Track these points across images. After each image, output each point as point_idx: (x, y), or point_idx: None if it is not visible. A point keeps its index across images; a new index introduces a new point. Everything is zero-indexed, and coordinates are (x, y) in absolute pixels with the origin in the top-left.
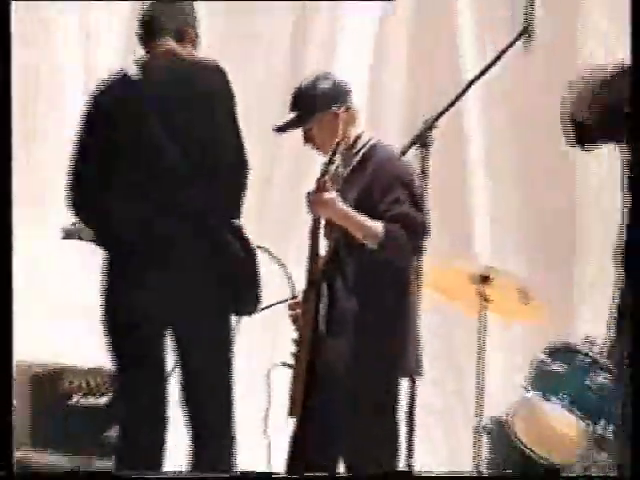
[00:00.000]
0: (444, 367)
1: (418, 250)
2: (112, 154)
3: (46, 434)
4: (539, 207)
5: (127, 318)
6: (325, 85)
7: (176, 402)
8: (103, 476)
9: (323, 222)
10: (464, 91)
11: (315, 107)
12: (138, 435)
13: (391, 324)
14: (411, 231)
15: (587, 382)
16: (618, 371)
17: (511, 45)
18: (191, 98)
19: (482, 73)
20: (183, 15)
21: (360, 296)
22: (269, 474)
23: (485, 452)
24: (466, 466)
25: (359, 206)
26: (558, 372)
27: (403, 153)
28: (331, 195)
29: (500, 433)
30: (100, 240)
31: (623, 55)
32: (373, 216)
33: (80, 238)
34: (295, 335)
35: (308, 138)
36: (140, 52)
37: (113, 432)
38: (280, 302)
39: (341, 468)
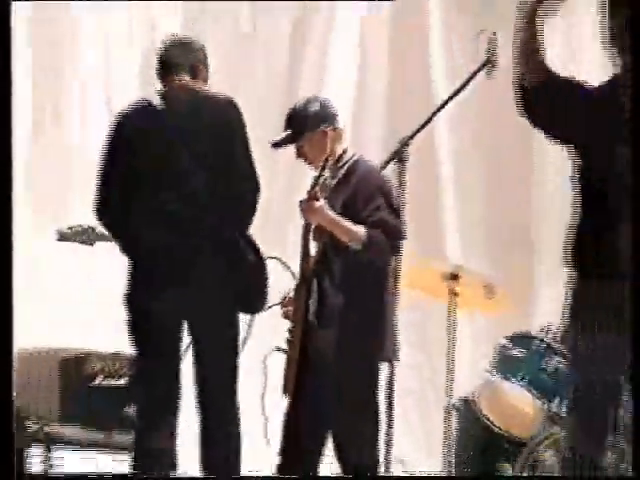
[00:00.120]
0: (419, 354)
1: (396, 251)
2: (136, 174)
3: (72, 411)
4: (502, 215)
5: (147, 313)
6: (315, 107)
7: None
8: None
9: (313, 227)
10: (434, 114)
11: (306, 126)
12: (153, 413)
13: (372, 315)
14: (390, 235)
15: (543, 365)
16: (570, 355)
17: (475, 74)
18: (209, 128)
19: (450, 98)
20: (196, 54)
21: (345, 291)
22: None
23: (455, 427)
24: (438, 438)
25: (344, 213)
26: (517, 356)
27: (382, 167)
28: (321, 203)
29: (467, 411)
30: (124, 249)
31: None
32: (356, 222)
33: (75, 241)
34: (289, 325)
35: (300, 153)
36: (158, 86)
37: (131, 409)
38: (281, 302)
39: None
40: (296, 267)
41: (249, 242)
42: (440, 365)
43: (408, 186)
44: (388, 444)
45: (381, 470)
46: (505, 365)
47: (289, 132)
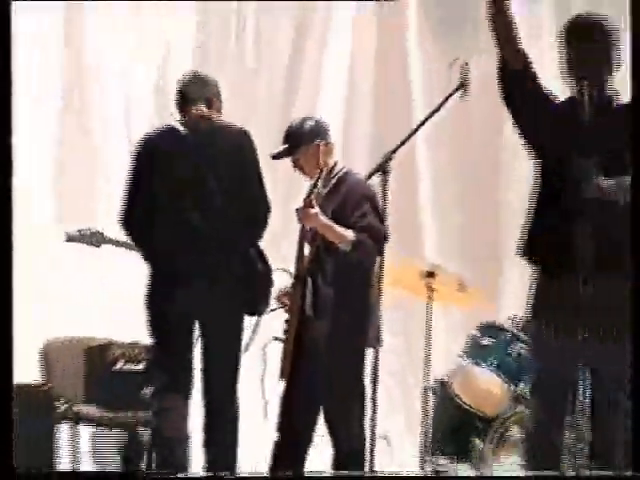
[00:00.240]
0: (401, 342)
1: (380, 252)
2: (161, 191)
3: (96, 393)
4: (473, 220)
5: (165, 312)
6: (310, 124)
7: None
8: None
9: (308, 230)
10: (414, 132)
11: (302, 141)
12: (168, 393)
13: (359, 308)
14: (375, 238)
15: (509, 352)
16: (532, 343)
17: (448, 97)
18: (225, 153)
19: (427, 119)
20: (210, 88)
21: (336, 287)
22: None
23: (432, 407)
24: (417, 416)
25: (335, 218)
26: (487, 344)
27: (368, 178)
28: (315, 210)
29: (443, 392)
30: (146, 257)
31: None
32: (346, 226)
33: (82, 242)
34: (286, 317)
35: (296, 165)
36: (173, 105)
37: (147, 391)
38: (281, 307)
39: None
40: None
41: (259, 252)
42: (419, 352)
43: (391, 195)
44: (373, 420)
45: (367, 444)
46: (476, 352)
47: (287, 146)
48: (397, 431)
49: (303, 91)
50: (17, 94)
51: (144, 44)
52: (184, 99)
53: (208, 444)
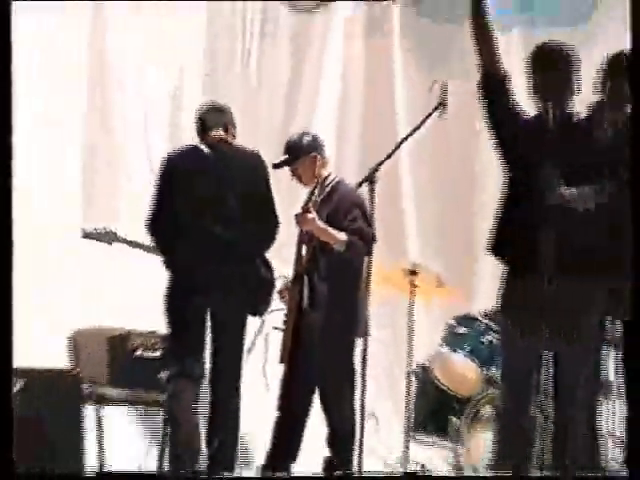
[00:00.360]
0: (387, 332)
1: (369, 253)
2: (185, 204)
3: (118, 376)
4: (451, 224)
5: (180, 306)
6: (308, 139)
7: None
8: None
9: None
10: (398, 147)
11: (300, 153)
12: (180, 378)
13: (350, 301)
14: (365, 240)
15: (482, 340)
16: (501, 332)
17: (428, 116)
18: (241, 173)
19: (409, 135)
20: (226, 116)
21: (330, 283)
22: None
23: (414, 389)
24: (401, 397)
25: (329, 222)
26: (463, 333)
27: (358, 187)
28: (312, 215)
29: (424, 376)
30: (168, 262)
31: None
32: (339, 229)
33: (97, 239)
34: (285, 309)
35: (294, 174)
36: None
37: (164, 375)
38: (279, 292)
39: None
40: (290, 265)
41: (264, 260)
42: (403, 340)
43: (377, 202)
44: (362, 401)
45: (356, 421)
46: (453, 340)
47: (287, 156)
48: (384, 413)
49: (301, 109)
50: (40, 93)
51: (161, 47)
52: (203, 126)
53: (211, 432)
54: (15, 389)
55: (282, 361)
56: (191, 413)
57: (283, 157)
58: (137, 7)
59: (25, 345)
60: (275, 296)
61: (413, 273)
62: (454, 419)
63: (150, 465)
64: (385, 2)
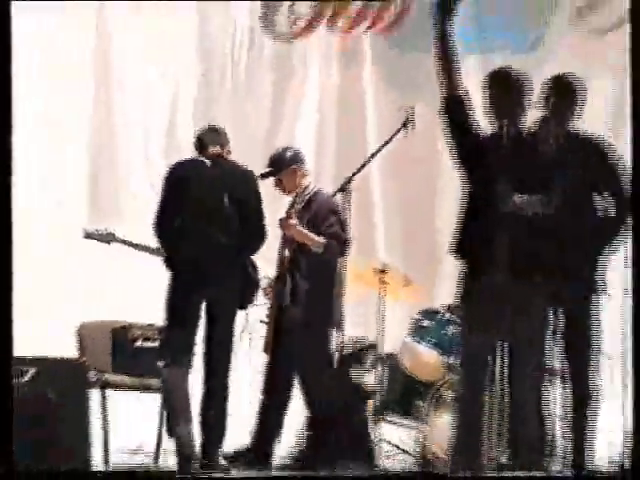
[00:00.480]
0: (360, 326)
1: (344, 254)
2: (187, 210)
3: (121, 364)
4: (417, 228)
5: (180, 301)
6: (290, 152)
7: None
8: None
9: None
10: (368, 160)
11: (283, 165)
12: (174, 366)
13: (326, 297)
14: (340, 243)
15: (443, 331)
16: (460, 325)
17: (396, 134)
18: (236, 186)
19: (378, 150)
20: (222, 136)
21: (309, 281)
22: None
23: (384, 375)
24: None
25: (309, 227)
26: (427, 326)
27: (333, 195)
28: (294, 221)
29: (392, 363)
30: (168, 262)
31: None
32: (317, 233)
33: (97, 239)
34: (268, 305)
35: (278, 185)
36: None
37: (161, 363)
38: (264, 289)
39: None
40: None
41: (250, 260)
42: (374, 333)
43: (351, 209)
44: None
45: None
46: (418, 332)
47: (271, 168)
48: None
49: (284, 126)
50: (40, 93)
51: (160, 47)
52: (202, 144)
53: (204, 410)
54: (26, 377)
55: (265, 351)
56: (184, 395)
57: (268, 168)
58: (137, 7)
59: (37, 337)
60: (260, 293)
61: (383, 272)
62: (419, 402)
63: (149, 441)
64: (357, 34)
